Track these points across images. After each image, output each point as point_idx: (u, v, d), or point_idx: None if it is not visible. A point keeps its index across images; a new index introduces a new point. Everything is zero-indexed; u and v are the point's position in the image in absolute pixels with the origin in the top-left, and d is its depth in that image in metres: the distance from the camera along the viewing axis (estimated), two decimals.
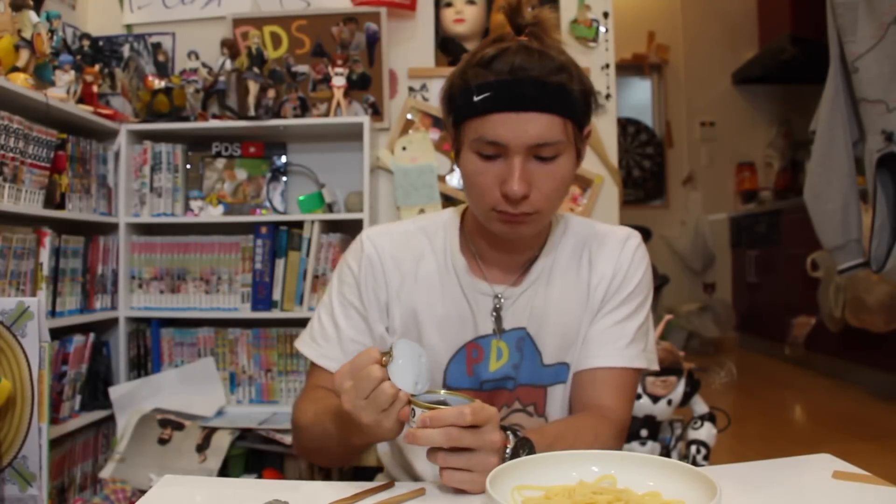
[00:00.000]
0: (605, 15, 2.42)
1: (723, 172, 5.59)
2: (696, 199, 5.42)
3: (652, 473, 0.70)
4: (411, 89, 2.44)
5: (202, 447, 1.98)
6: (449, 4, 2.41)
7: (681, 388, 1.92)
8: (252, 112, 2.19)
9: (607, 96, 2.41)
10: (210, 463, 1.95)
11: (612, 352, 1.00)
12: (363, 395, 0.76)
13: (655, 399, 1.89)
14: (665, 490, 0.68)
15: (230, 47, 2.23)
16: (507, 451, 0.79)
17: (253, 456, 2.08)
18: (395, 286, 1.03)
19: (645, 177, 5.73)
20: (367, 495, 0.75)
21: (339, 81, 2.25)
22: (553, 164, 0.90)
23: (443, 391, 0.82)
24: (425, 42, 2.45)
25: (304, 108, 2.30)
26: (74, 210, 2.01)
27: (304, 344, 1.06)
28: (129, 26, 2.49)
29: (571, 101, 0.89)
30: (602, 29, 2.42)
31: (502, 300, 1.01)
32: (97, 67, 2.16)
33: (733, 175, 5.59)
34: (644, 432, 1.91)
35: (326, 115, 2.26)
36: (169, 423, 2.05)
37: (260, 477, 2.04)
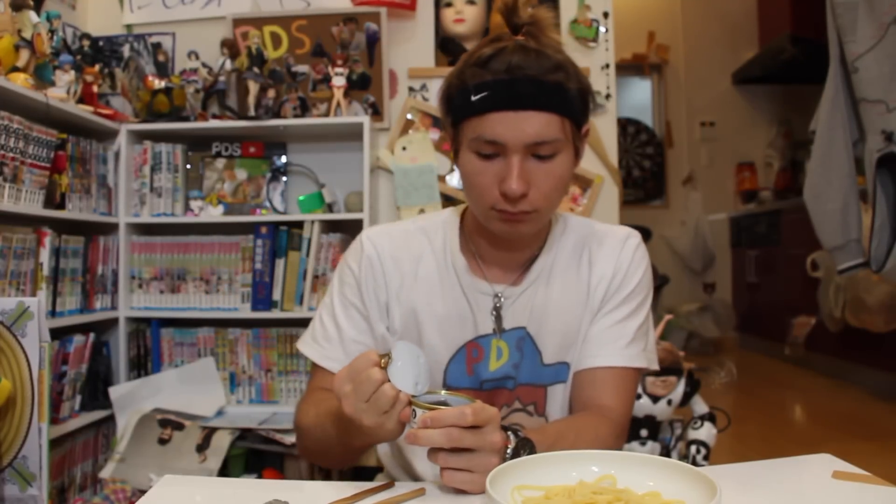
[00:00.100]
0: (605, 15, 2.42)
1: (723, 172, 5.59)
2: (696, 199, 5.42)
3: (652, 473, 0.70)
4: (411, 89, 2.44)
5: (202, 447, 1.98)
6: (449, 4, 2.41)
7: (681, 388, 1.92)
8: (252, 112, 2.19)
9: (607, 96, 2.41)
10: (210, 463, 1.96)
11: (612, 351, 1.00)
12: (364, 399, 0.76)
13: (655, 399, 1.89)
14: (665, 490, 0.68)
15: (230, 47, 2.23)
16: (508, 451, 0.79)
17: (253, 456, 2.08)
18: (395, 286, 1.03)
19: (645, 177, 5.74)
20: (367, 495, 0.75)
21: (339, 81, 2.25)
22: (551, 162, 0.90)
23: (443, 392, 0.82)
24: (425, 42, 2.45)
25: (304, 108, 2.30)
26: (74, 210, 2.01)
27: (306, 345, 1.06)
28: (129, 26, 2.49)
29: (569, 99, 0.89)
30: (602, 29, 2.42)
31: (502, 299, 1.01)
32: (97, 67, 2.16)
33: (733, 175, 5.59)
34: (644, 432, 1.91)
35: (326, 115, 2.26)
36: (169, 423, 2.05)
37: (260, 477, 2.04)
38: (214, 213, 2.28)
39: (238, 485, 0.80)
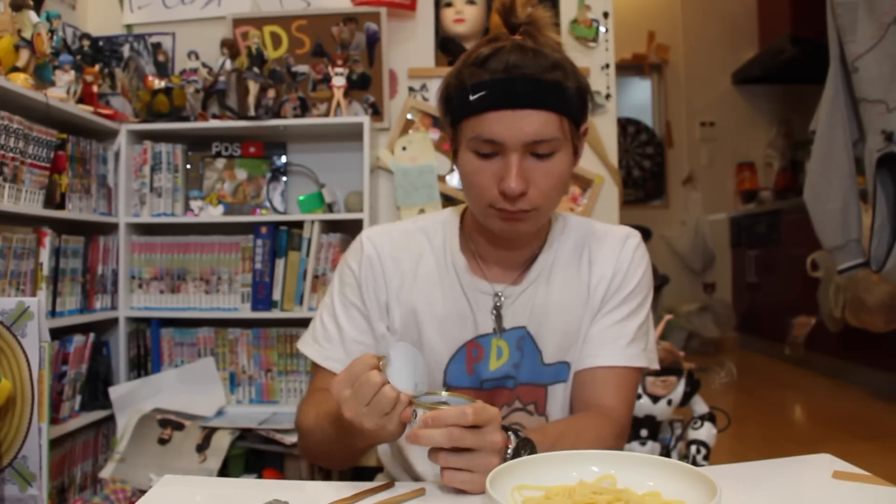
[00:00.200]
0: (605, 15, 2.42)
1: (723, 172, 5.59)
2: (696, 199, 5.42)
3: (652, 473, 0.70)
4: (411, 89, 2.44)
5: (202, 447, 1.98)
6: (449, 4, 2.41)
7: (681, 388, 1.92)
8: (252, 112, 2.19)
9: (607, 96, 2.41)
10: (210, 463, 1.95)
11: (612, 351, 1.00)
12: (364, 402, 0.76)
13: (655, 399, 1.89)
14: (665, 490, 0.68)
15: (230, 47, 2.23)
16: (509, 451, 0.79)
17: (253, 456, 2.08)
18: (395, 286, 1.03)
19: (645, 177, 5.73)
20: (367, 495, 0.75)
21: (339, 81, 2.25)
22: (550, 160, 0.90)
23: (444, 392, 0.82)
24: (425, 42, 2.45)
25: (304, 108, 2.30)
26: (74, 210, 2.01)
27: (307, 346, 1.06)
28: (129, 26, 2.49)
29: (567, 98, 0.89)
30: (602, 29, 2.42)
31: (502, 299, 1.01)
32: (97, 67, 2.16)
33: (733, 175, 5.59)
34: (644, 432, 1.91)
35: (326, 115, 2.26)
36: (169, 423, 2.05)
37: (260, 477, 2.04)
38: (214, 213, 2.28)
39: (238, 485, 0.80)
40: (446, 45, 2.43)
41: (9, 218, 1.74)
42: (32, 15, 1.77)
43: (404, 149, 2.37)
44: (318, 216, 2.23)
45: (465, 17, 2.39)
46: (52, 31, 1.88)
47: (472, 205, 0.98)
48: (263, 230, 2.22)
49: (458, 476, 0.75)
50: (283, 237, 2.22)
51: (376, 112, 2.37)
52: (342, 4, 2.41)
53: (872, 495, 0.72)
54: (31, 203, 1.81)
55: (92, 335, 2.04)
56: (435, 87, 2.42)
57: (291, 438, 2.00)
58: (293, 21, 2.40)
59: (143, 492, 1.25)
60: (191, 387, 2.21)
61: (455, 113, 0.93)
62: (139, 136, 2.28)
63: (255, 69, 2.19)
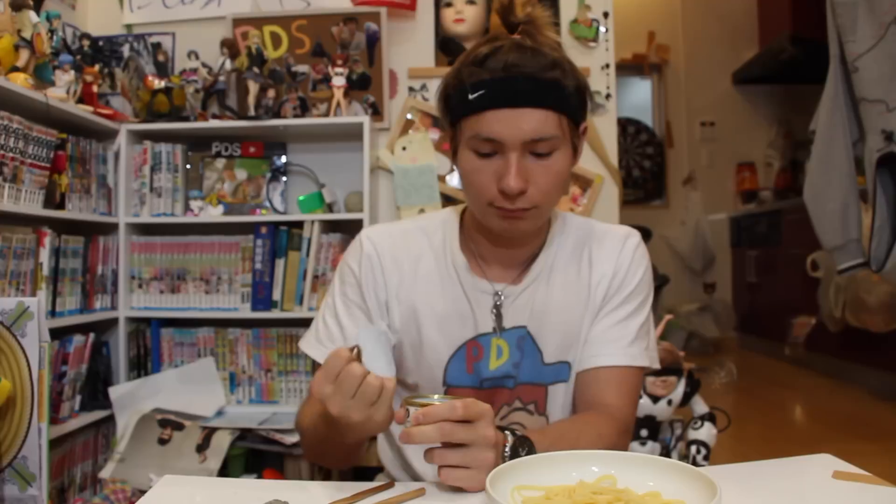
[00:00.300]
0: (605, 15, 2.42)
1: (723, 172, 5.59)
2: (696, 199, 5.42)
3: (652, 473, 0.70)
4: (411, 89, 2.44)
5: (202, 447, 1.98)
6: (449, 4, 2.41)
7: (681, 388, 1.92)
8: (252, 112, 2.19)
9: (607, 96, 2.41)
10: (210, 463, 1.95)
11: (614, 351, 1.00)
12: (349, 395, 0.75)
13: (655, 399, 1.89)
14: (665, 490, 0.68)
15: (230, 47, 2.23)
16: (506, 449, 0.79)
17: (253, 456, 2.08)
18: (395, 285, 1.03)
19: (645, 177, 5.74)
20: (367, 495, 0.75)
21: (339, 81, 2.24)
22: (549, 159, 0.90)
23: (436, 396, 0.82)
24: (425, 42, 2.45)
25: (303, 108, 2.30)
26: (74, 210, 2.01)
27: (310, 346, 1.06)
28: (129, 26, 2.49)
29: (565, 96, 0.90)
30: (602, 29, 2.41)
31: (503, 298, 1.01)
32: (97, 67, 2.16)
33: (733, 175, 5.59)
34: (644, 432, 1.91)
35: (326, 115, 2.26)
36: (169, 423, 2.05)
37: (260, 477, 2.04)
38: (214, 213, 2.28)
39: (238, 485, 0.80)
40: (446, 45, 2.42)
41: (9, 218, 1.74)
42: (32, 15, 1.77)
43: (404, 149, 2.37)
44: (318, 216, 2.23)
45: (465, 17, 2.39)
46: (51, 31, 1.88)
47: (471, 204, 0.98)
48: (263, 230, 2.22)
49: (454, 473, 0.75)
50: (283, 237, 2.22)
51: (376, 112, 2.37)
52: (342, 4, 2.41)
53: (872, 495, 0.72)
54: (31, 203, 1.80)
55: (92, 335, 2.04)
56: (435, 87, 2.40)
57: (291, 438, 2.00)
58: (293, 21, 2.40)
59: (143, 492, 1.24)
60: (191, 387, 2.21)
61: (454, 112, 0.93)
62: (139, 136, 2.28)
63: (255, 69, 2.19)
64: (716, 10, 5.50)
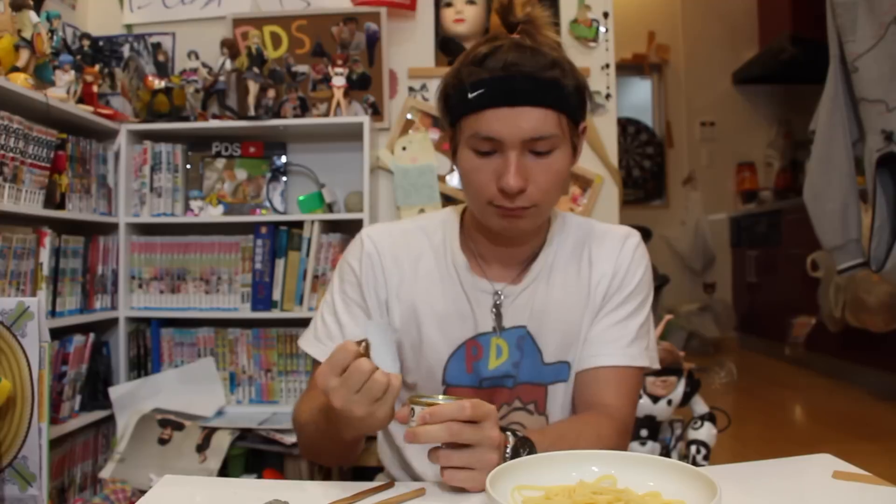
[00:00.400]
0: (605, 15, 2.42)
1: (723, 172, 5.59)
2: (696, 199, 5.42)
3: (652, 473, 0.70)
4: (411, 89, 2.44)
5: (202, 447, 1.98)
6: (449, 4, 2.41)
7: (681, 388, 1.92)
8: (252, 112, 2.19)
9: (607, 96, 2.41)
10: (210, 463, 1.95)
11: (614, 351, 1.00)
12: (355, 389, 0.75)
13: (655, 399, 1.89)
14: (665, 490, 0.68)
15: (230, 47, 2.23)
16: (508, 450, 0.79)
17: (253, 456, 2.08)
18: (395, 284, 1.03)
19: (645, 177, 5.73)
20: (367, 495, 0.75)
21: (339, 81, 2.24)
22: (548, 158, 0.91)
23: (440, 396, 0.82)
24: (425, 42, 2.45)
25: (304, 108, 2.30)
26: (74, 210, 2.01)
27: (309, 344, 1.06)
28: (129, 26, 2.49)
29: (565, 95, 0.90)
30: (602, 29, 2.41)
31: (502, 297, 1.01)
32: (97, 67, 2.16)
33: (733, 175, 5.59)
34: (644, 432, 1.91)
35: (326, 115, 2.26)
36: (169, 423, 2.05)
37: (260, 477, 2.04)
38: (214, 213, 2.28)
39: (238, 485, 0.80)
40: (446, 45, 2.42)
41: (9, 218, 1.74)
42: (32, 15, 1.77)
43: (404, 149, 2.37)
44: (318, 216, 2.23)
45: (465, 17, 2.39)
46: (52, 31, 1.88)
47: (471, 203, 0.98)
48: (263, 230, 2.22)
49: (458, 474, 0.75)
50: (283, 237, 2.22)
51: (376, 112, 2.37)
52: (342, 4, 2.41)
53: (872, 495, 0.72)
54: (31, 203, 1.80)
55: (92, 335, 2.04)
56: (435, 87, 2.39)
57: (291, 438, 1.99)
58: (293, 21, 2.40)
59: (143, 492, 1.25)
60: (191, 387, 2.21)
61: (454, 111, 0.94)
62: (139, 136, 2.28)
63: (255, 69, 2.19)
64: (716, 10, 5.50)
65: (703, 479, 0.65)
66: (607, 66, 2.42)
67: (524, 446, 0.80)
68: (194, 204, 2.28)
